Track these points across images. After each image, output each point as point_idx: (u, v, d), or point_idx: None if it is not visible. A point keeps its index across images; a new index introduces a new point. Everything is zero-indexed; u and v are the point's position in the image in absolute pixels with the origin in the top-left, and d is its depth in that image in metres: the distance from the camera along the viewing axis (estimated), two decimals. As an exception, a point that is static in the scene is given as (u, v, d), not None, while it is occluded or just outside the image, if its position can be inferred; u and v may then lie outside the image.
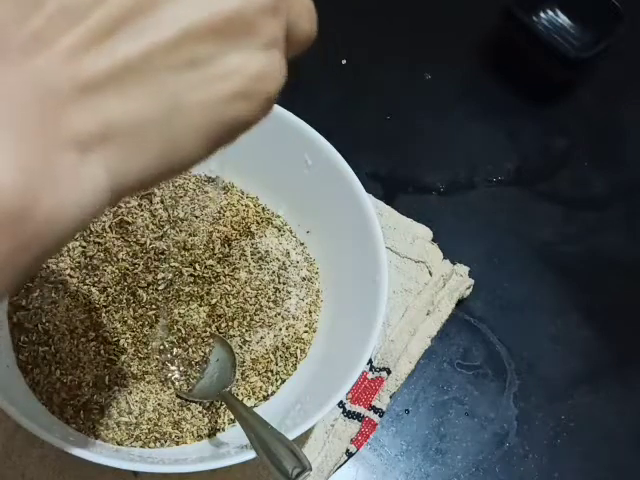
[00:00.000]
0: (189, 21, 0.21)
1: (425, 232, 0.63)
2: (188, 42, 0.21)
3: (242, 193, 0.59)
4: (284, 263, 0.57)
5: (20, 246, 0.21)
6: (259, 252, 0.57)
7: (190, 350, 0.53)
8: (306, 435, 0.54)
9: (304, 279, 0.57)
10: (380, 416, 0.57)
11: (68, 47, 0.21)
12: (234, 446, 0.49)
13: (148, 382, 0.52)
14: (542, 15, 0.72)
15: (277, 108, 0.56)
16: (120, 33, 0.21)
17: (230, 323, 0.54)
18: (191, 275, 0.55)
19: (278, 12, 0.23)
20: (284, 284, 0.56)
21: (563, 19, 0.72)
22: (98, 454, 0.45)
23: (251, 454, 0.45)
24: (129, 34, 0.21)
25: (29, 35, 0.21)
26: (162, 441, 0.50)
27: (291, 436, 0.45)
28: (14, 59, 0.21)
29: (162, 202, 0.57)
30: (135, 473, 0.50)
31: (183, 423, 0.51)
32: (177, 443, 0.50)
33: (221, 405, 0.52)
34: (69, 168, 0.21)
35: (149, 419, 0.50)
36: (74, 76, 0.21)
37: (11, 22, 0.21)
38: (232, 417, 0.51)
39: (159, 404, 0.51)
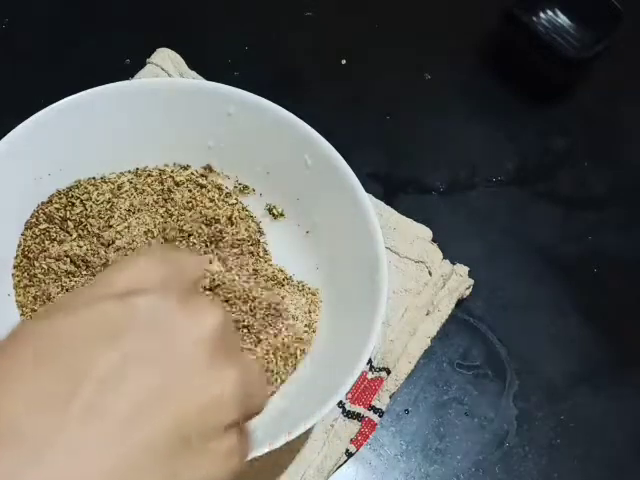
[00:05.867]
0: (183, 413, 0.27)
1: (425, 232, 0.63)
2: (179, 431, 0.27)
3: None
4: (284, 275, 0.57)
5: None
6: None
7: None
8: (306, 435, 0.54)
9: (300, 282, 0.57)
10: (380, 416, 0.57)
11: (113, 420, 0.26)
12: None
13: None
14: (542, 15, 0.72)
15: (277, 108, 0.56)
16: (128, 423, 0.27)
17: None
18: None
19: (241, 396, 0.29)
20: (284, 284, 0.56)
21: (563, 19, 0.72)
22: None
23: (260, 451, 0.45)
24: (132, 427, 0.27)
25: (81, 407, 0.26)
26: None
27: (291, 436, 0.45)
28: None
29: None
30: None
31: None
32: None
33: None
34: None
35: None
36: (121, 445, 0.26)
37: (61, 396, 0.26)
38: None
39: None
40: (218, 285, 0.52)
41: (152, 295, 0.29)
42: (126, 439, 0.26)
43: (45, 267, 0.55)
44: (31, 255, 0.56)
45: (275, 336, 0.54)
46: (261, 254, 0.58)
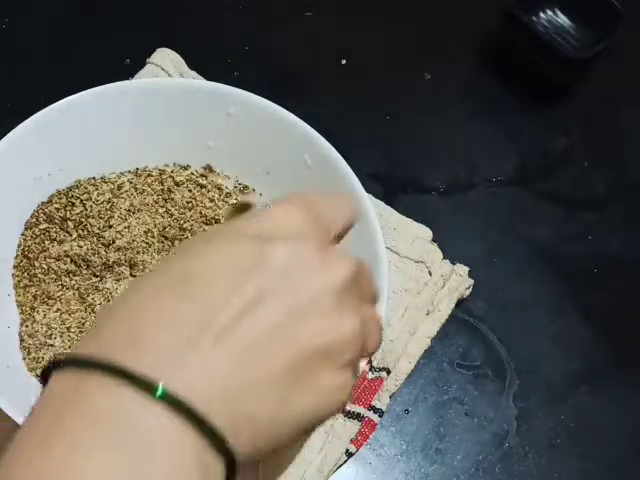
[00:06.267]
0: (305, 347, 0.30)
1: (425, 232, 0.63)
2: (299, 362, 0.30)
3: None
4: None
5: None
6: None
7: None
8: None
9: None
10: (380, 416, 0.57)
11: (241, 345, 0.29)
12: None
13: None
14: (542, 15, 0.72)
15: (277, 108, 0.56)
16: (258, 349, 0.29)
17: None
18: None
19: (360, 340, 0.32)
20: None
21: (563, 19, 0.72)
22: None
23: None
24: (261, 352, 0.29)
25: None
26: None
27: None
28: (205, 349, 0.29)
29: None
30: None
31: None
32: None
33: None
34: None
35: None
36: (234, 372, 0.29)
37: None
38: None
39: None
40: None
41: (291, 243, 0.31)
42: (250, 362, 0.29)
43: (45, 267, 0.55)
44: (31, 255, 0.56)
45: None
46: None
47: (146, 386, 0.27)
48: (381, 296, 0.50)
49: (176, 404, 0.27)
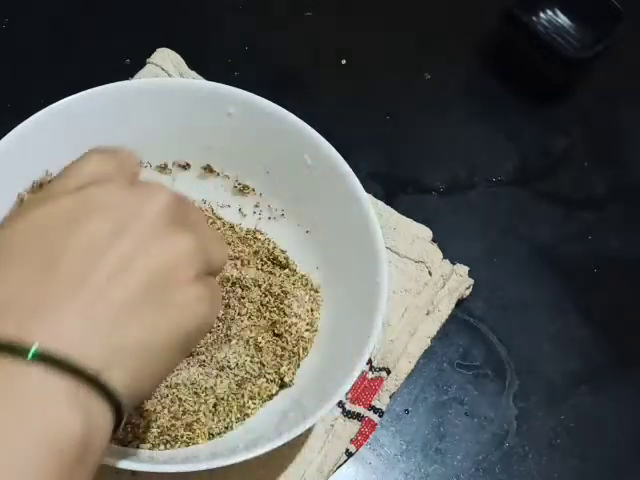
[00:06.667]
0: (150, 269, 0.32)
1: (425, 232, 0.63)
2: (150, 285, 0.32)
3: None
4: (286, 259, 0.57)
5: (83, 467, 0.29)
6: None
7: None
8: (306, 435, 0.54)
9: (303, 276, 0.57)
10: (380, 416, 0.57)
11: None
12: (244, 443, 0.48)
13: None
14: (542, 15, 0.72)
15: (277, 108, 0.56)
16: (108, 283, 0.31)
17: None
18: None
19: (201, 254, 0.35)
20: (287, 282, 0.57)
21: (563, 19, 0.72)
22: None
23: (260, 450, 0.45)
24: (112, 285, 0.32)
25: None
26: (172, 443, 0.50)
27: (291, 435, 0.45)
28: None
29: None
30: (133, 472, 0.50)
31: (195, 425, 0.51)
32: (187, 444, 0.50)
33: (228, 404, 0.52)
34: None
35: (160, 425, 0.50)
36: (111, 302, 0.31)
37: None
38: (240, 415, 0.52)
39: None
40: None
41: (103, 183, 0.34)
42: (106, 297, 0.31)
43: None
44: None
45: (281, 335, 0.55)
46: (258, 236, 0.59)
47: (16, 350, 0.28)
48: (381, 296, 0.50)
49: (49, 359, 0.29)
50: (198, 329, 0.35)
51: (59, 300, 0.30)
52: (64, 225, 0.32)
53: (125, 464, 0.44)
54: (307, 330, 0.55)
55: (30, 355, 0.28)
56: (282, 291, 0.56)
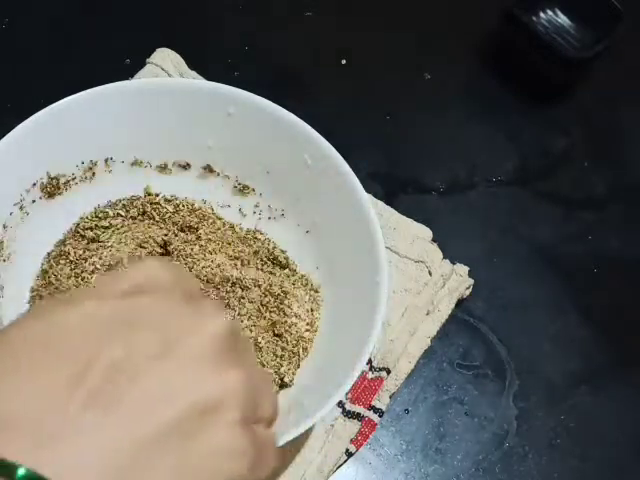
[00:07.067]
0: (187, 404, 0.27)
1: (425, 232, 0.63)
2: (182, 423, 0.27)
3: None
4: (286, 259, 0.57)
5: None
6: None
7: None
8: (306, 435, 0.54)
9: (303, 276, 0.57)
10: (380, 416, 0.57)
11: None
12: None
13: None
14: (542, 15, 0.72)
15: (277, 108, 0.56)
16: (134, 412, 0.27)
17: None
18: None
19: (248, 397, 0.29)
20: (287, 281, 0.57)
21: (563, 19, 0.72)
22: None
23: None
24: (137, 416, 0.27)
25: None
26: None
27: (291, 436, 0.45)
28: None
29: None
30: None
31: None
32: None
33: None
34: None
35: None
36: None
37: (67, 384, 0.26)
38: None
39: None
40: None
41: (158, 294, 0.29)
42: (128, 427, 0.26)
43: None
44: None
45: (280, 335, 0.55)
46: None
47: (6, 470, 0.24)
48: (381, 296, 0.50)
49: None
50: None
51: (80, 427, 0.26)
52: (102, 333, 0.28)
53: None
54: (307, 330, 0.55)
55: (19, 475, 0.24)
56: (282, 291, 0.56)
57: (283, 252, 0.58)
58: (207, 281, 0.54)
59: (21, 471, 0.24)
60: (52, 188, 0.56)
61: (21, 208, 0.54)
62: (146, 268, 0.31)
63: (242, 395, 0.29)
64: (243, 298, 0.55)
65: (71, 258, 0.56)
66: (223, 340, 0.29)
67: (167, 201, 0.59)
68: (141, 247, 0.56)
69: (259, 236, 0.59)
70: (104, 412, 0.26)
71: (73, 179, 0.57)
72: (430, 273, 0.61)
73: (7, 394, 0.26)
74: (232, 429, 0.29)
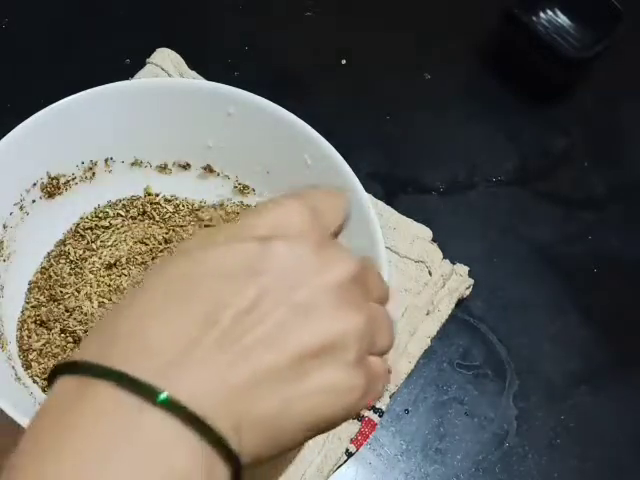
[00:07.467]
0: (306, 344, 0.30)
1: (425, 232, 0.63)
2: (301, 360, 0.30)
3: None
4: None
5: None
6: None
7: None
8: (306, 435, 0.54)
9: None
10: (380, 416, 0.57)
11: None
12: None
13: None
14: (542, 15, 0.72)
15: (277, 108, 0.56)
16: (259, 348, 0.29)
17: None
18: None
19: (366, 338, 0.32)
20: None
21: (563, 19, 0.72)
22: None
23: None
24: (262, 351, 0.29)
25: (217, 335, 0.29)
26: None
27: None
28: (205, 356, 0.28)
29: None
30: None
31: None
32: None
33: None
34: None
35: None
36: (237, 376, 0.29)
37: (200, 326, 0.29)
38: None
39: None
40: None
41: (291, 241, 0.31)
42: (251, 362, 0.29)
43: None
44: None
45: None
46: None
47: (147, 392, 0.27)
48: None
49: (177, 409, 0.27)
50: (335, 417, 0.32)
51: (205, 355, 0.28)
52: (239, 274, 0.30)
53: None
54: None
55: (160, 399, 0.27)
56: None
57: None
58: None
59: (162, 396, 0.27)
60: (52, 188, 0.56)
61: (21, 208, 0.55)
62: (286, 211, 0.33)
63: (360, 336, 0.31)
64: None
65: (71, 258, 0.56)
66: (344, 285, 0.31)
67: (167, 201, 0.59)
68: (142, 243, 0.56)
69: None
70: (227, 345, 0.29)
71: (73, 179, 0.57)
72: (430, 273, 0.61)
73: (151, 325, 0.29)
74: (347, 368, 0.31)
